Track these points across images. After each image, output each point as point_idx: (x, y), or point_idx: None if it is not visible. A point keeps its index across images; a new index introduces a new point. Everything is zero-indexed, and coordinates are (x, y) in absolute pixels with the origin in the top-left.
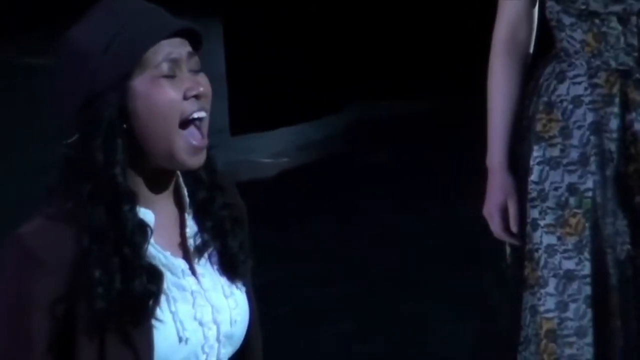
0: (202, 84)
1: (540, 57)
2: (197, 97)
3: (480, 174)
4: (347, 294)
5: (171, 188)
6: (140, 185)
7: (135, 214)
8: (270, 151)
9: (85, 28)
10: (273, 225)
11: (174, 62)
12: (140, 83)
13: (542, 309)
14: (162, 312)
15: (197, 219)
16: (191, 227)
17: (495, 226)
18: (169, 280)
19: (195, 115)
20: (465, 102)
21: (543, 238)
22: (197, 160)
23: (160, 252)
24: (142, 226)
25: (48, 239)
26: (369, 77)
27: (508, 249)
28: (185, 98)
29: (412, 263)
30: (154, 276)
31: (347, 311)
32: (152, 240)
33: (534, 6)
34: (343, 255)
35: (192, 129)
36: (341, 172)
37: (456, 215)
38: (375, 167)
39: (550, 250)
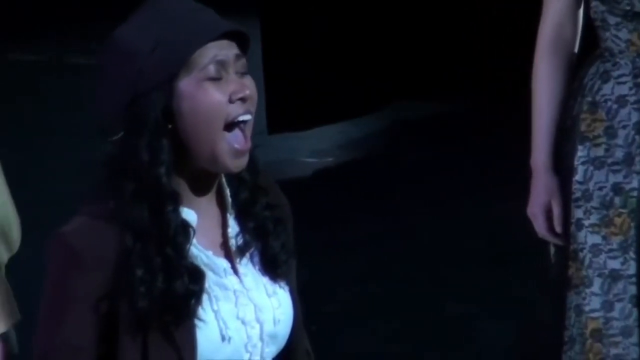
0: (248, 86)
1: (584, 57)
2: (242, 100)
3: (521, 173)
4: (388, 293)
5: (214, 188)
6: (183, 186)
7: (178, 215)
8: (312, 150)
9: (132, 27)
10: (313, 224)
11: (221, 65)
12: (186, 84)
13: (587, 308)
14: (205, 311)
15: (239, 219)
16: (233, 227)
17: (540, 226)
18: (211, 280)
19: (241, 119)
20: (505, 101)
21: (588, 238)
22: (239, 163)
23: (202, 251)
24: (185, 226)
25: (91, 238)
26: (409, 76)
27: (552, 249)
28: (230, 101)
29: (453, 263)
30: (196, 276)
31: (388, 311)
32: (194, 240)
33: (579, 6)
34: (384, 254)
35: (236, 131)
36: (382, 171)
37: (496, 215)
38: (416, 166)
39: (595, 249)
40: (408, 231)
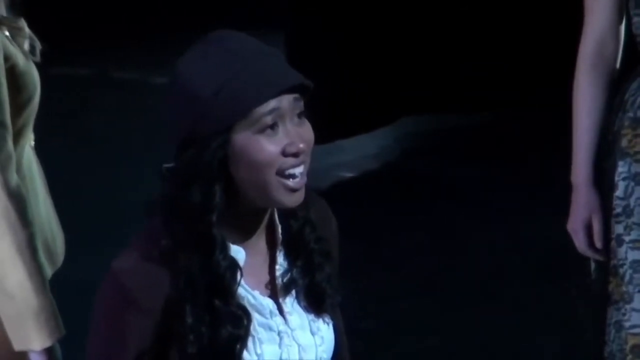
0: (303, 137)
1: (626, 72)
2: (296, 155)
3: (561, 189)
4: (429, 309)
5: (264, 224)
6: (234, 223)
7: (227, 259)
8: (347, 163)
9: (196, 65)
10: (350, 239)
11: (278, 115)
12: (241, 137)
13: (627, 324)
14: (249, 353)
15: (288, 255)
16: (281, 264)
17: (580, 242)
18: (256, 321)
19: (293, 171)
20: (546, 115)
21: (628, 254)
22: (294, 200)
23: (249, 292)
24: (233, 268)
25: (145, 280)
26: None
27: (593, 265)
28: (284, 154)
29: (494, 277)
30: (243, 319)
31: (429, 326)
32: (241, 280)
33: (620, 22)
34: (424, 270)
35: (289, 176)
36: (420, 186)
37: (538, 230)
38: (456, 181)
39: (636, 265)
40: (449, 246)
